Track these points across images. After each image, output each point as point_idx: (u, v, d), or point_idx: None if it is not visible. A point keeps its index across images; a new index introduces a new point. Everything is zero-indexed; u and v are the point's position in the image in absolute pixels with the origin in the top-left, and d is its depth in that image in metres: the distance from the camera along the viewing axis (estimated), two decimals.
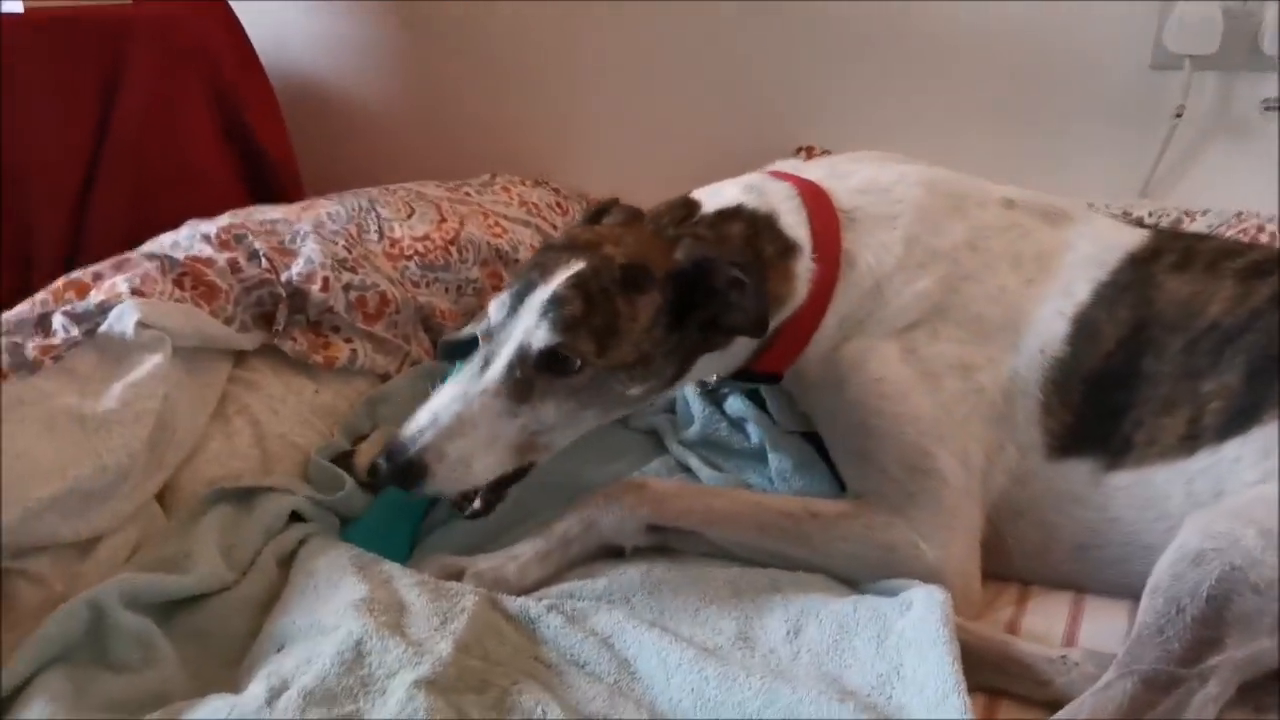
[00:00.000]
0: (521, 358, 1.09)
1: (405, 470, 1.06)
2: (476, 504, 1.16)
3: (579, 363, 1.09)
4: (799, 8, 1.92)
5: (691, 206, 1.23)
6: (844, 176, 1.27)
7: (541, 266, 1.14)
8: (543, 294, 1.10)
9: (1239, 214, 1.58)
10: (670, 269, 1.13)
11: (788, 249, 1.19)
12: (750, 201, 1.22)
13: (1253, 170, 1.73)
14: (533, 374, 1.09)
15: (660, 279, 1.12)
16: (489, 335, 1.14)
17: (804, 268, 1.19)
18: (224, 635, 1.03)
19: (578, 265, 1.12)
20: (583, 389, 1.11)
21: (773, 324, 1.18)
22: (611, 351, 1.10)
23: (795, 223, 1.21)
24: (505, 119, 2.12)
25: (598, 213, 1.28)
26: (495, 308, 1.15)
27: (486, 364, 1.10)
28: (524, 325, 1.10)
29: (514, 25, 2.08)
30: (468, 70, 2.13)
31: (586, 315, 1.09)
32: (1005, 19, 1.81)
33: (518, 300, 1.12)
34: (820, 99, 1.94)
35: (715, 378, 1.36)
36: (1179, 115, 1.75)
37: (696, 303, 1.13)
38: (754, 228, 1.20)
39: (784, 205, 1.22)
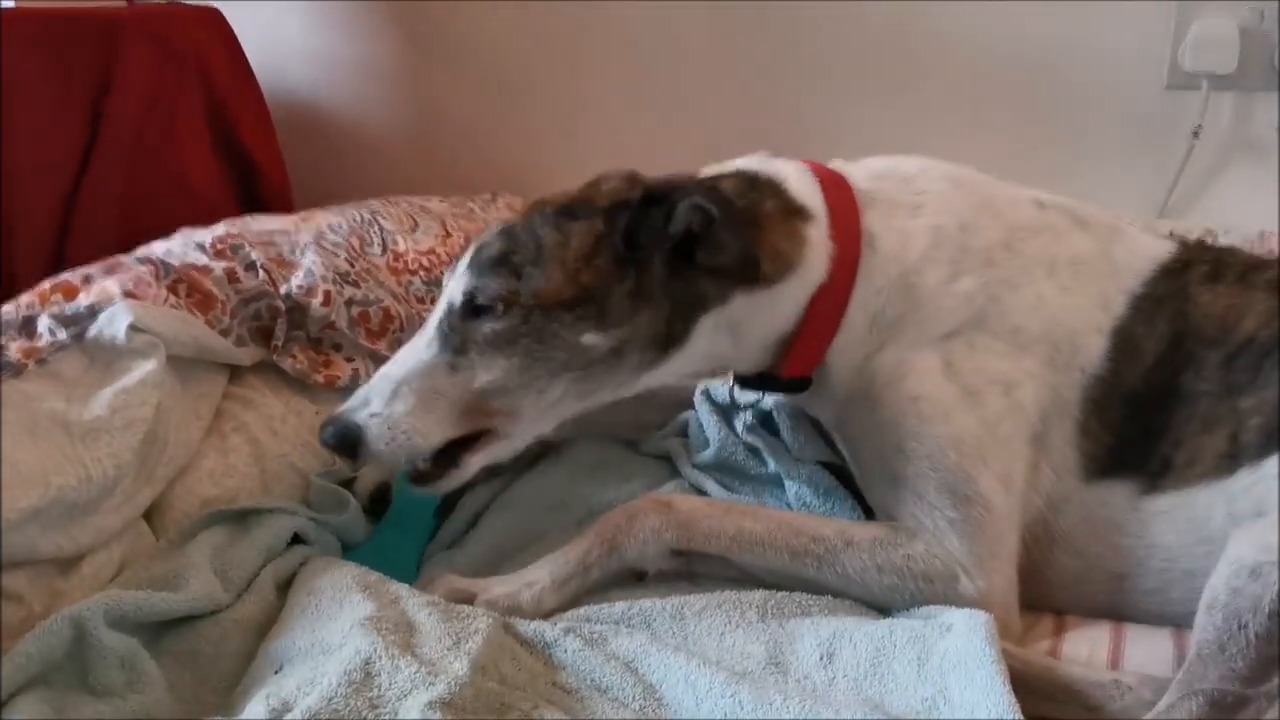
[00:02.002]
0: (449, 311, 1.08)
1: (340, 436, 1.05)
2: (420, 464, 1.09)
3: (501, 305, 1.05)
4: (809, 27, 1.90)
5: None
6: (861, 165, 1.22)
7: (485, 231, 1.14)
8: (473, 247, 1.10)
9: (1262, 233, 1.56)
10: (615, 200, 1.08)
11: (794, 210, 1.12)
12: (750, 166, 1.16)
13: (1271, 190, 1.71)
14: (460, 325, 1.07)
15: (603, 209, 1.08)
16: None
17: (818, 237, 1.12)
18: (217, 658, 0.97)
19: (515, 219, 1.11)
20: (519, 335, 1.05)
21: (786, 293, 1.11)
22: (537, 283, 1.05)
23: (805, 192, 1.14)
24: (506, 139, 2.09)
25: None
26: (445, 279, 1.14)
27: (423, 329, 1.10)
28: (454, 281, 1.09)
29: (516, 44, 2.05)
30: (468, 89, 2.10)
31: (506, 253, 1.07)
32: (1020, 39, 1.80)
33: (456, 264, 1.12)
34: (830, 118, 1.91)
35: (732, 383, 1.31)
36: (1196, 135, 1.73)
37: (652, 234, 1.06)
38: (752, 185, 1.13)
39: (792, 175, 1.15)
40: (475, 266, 1.08)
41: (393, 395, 1.06)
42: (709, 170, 1.18)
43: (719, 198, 1.06)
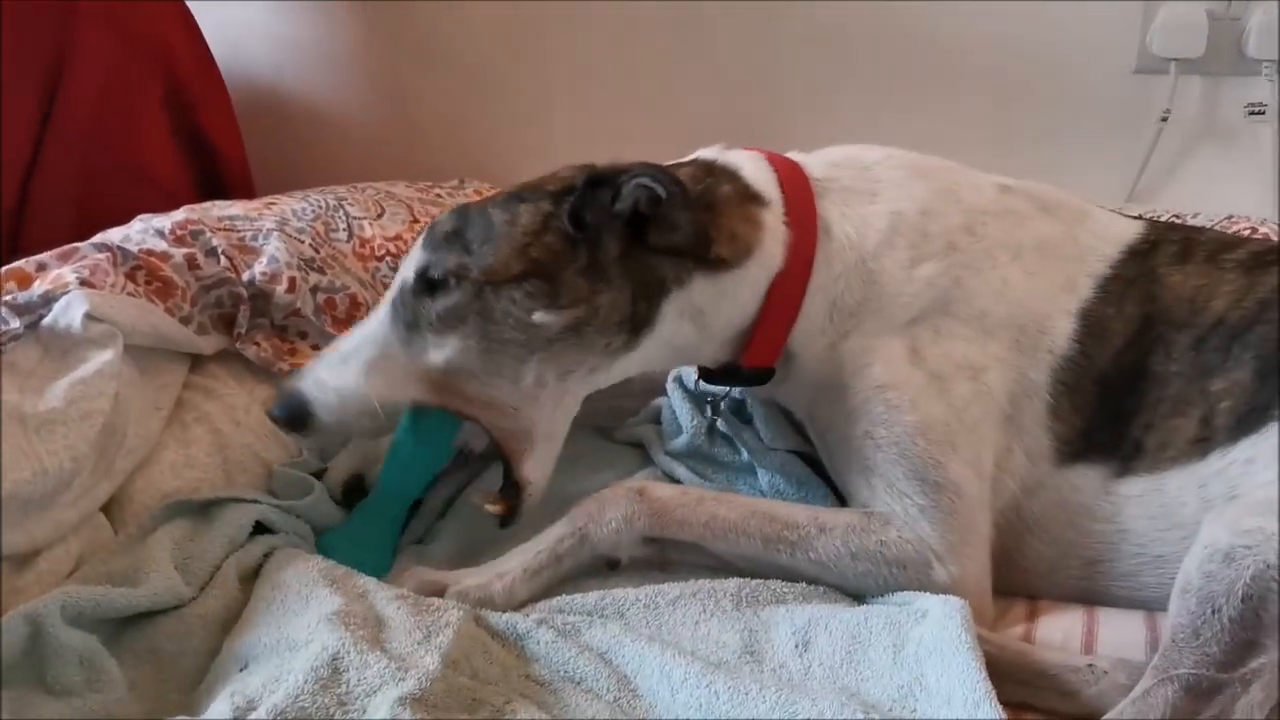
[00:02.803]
0: (402, 288, 1.08)
1: (287, 410, 1.07)
2: (493, 507, 1.11)
3: (452, 279, 1.05)
4: (778, 14, 1.88)
5: None
6: (819, 154, 1.22)
7: None
8: (427, 228, 1.11)
9: (1230, 216, 1.56)
10: (562, 184, 1.09)
11: (750, 195, 1.13)
12: (707, 155, 1.17)
13: (1239, 175, 1.74)
14: (414, 302, 1.07)
15: (551, 192, 1.08)
16: None
17: (774, 222, 1.12)
18: (179, 655, 0.94)
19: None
20: (469, 310, 1.05)
21: (745, 278, 1.11)
22: (486, 259, 1.05)
23: (761, 180, 1.14)
24: (472, 126, 2.06)
25: None
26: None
27: (379, 307, 1.11)
28: (407, 260, 1.10)
29: (481, 30, 2.02)
30: (433, 76, 2.07)
31: (458, 230, 1.08)
32: (988, 25, 1.80)
33: (412, 246, 1.12)
34: (802, 105, 1.91)
35: (697, 377, 1.30)
36: (1165, 119, 1.74)
37: (600, 212, 1.06)
38: (708, 171, 1.14)
39: (749, 165, 1.16)
40: (428, 244, 1.09)
41: (342, 365, 1.07)
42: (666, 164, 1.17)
43: (668, 178, 1.06)
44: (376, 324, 1.10)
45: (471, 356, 1.06)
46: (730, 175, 1.14)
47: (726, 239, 1.10)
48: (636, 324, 1.09)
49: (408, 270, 1.09)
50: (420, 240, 1.11)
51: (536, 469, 1.11)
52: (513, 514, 1.11)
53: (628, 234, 1.07)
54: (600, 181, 1.06)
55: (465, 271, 1.05)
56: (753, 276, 1.12)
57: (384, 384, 1.07)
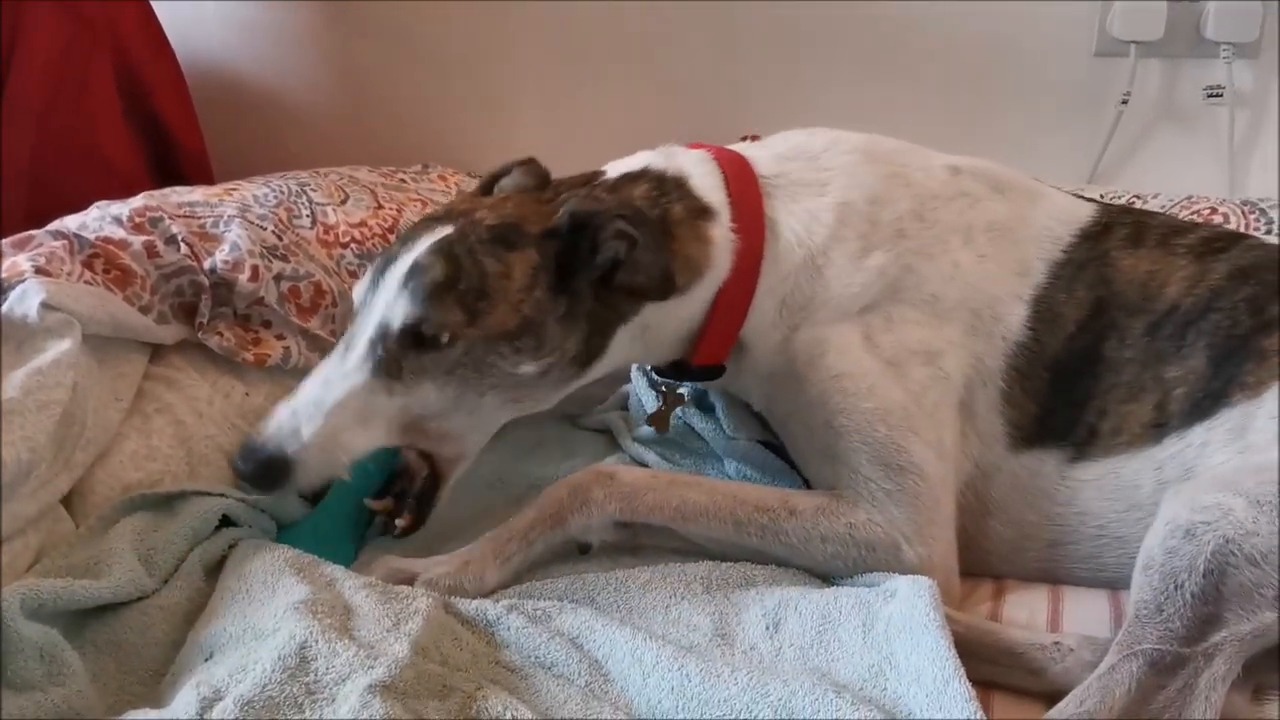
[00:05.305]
0: (383, 334, 1.02)
1: (265, 469, 1.00)
2: (401, 521, 1.11)
3: (447, 336, 1.01)
4: (743, 5, 1.87)
5: (595, 175, 1.16)
6: (768, 145, 1.21)
7: (406, 239, 1.08)
8: (403, 264, 1.04)
9: (1189, 197, 1.58)
10: (546, 227, 1.06)
11: (700, 210, 1.12)
12: (657, 164, 1.15)
13: (1198, 156, 1.75)
14: (398, 351, 1.02)
15: (536, 236, 1.05)
16: (354, 316, 1.07)
17: (722, 234, 1.11)
18: (143, 647, 0.93)
19: (443, 231, 1.05)
20: (460, 366, 1.03)
21: (695, 294, 1.11)
22: (484, 318, 1.02)
23: (709, 186, 1.13)
24: (434, 111, 2.04)
25: (491, 180, 1.21)
26: (358, 288, 1.08)
27: (349, 347, 1.04)
28: (384, 299, 1.03)
29: (442, 13, 1.99)
30: (394, 60, 2.04)
31: (451, 280, 1.02)
32: (949, 7, 1.79)
33: (379, 275, 1.05)
34: (765, 88, 1.90)
35: (649, 369, 1.30)
36: (1125, 102, 1.75)
37: (581, 262, 1.05)
38: (660, 188, 1.12)
39: (696, 169, 1.15)
40: (417, 292, 1.02)
41: (324, 423, 1.01)
42: (616, 167, 1.17)
43: (639, 219, 1.06)
44: (354, 375, 1.02)
45: (446, 401, 1.04)
46: (681, 189, 1.13)
47: (682, 266, 1.09)
48: (589, 357, 1.10)
49: (391, 316, 1.02)
50: (401, 283, 1.03)
51: (451, 484, 1.12)
52: (418, 526, 1.12)
53: (600, 277, 1.07)
54: (582, 224, 1.05)
55: (462, 331, 1.02)
56: (700, 292, 1.12)
57: (368, 439, 1.03)
